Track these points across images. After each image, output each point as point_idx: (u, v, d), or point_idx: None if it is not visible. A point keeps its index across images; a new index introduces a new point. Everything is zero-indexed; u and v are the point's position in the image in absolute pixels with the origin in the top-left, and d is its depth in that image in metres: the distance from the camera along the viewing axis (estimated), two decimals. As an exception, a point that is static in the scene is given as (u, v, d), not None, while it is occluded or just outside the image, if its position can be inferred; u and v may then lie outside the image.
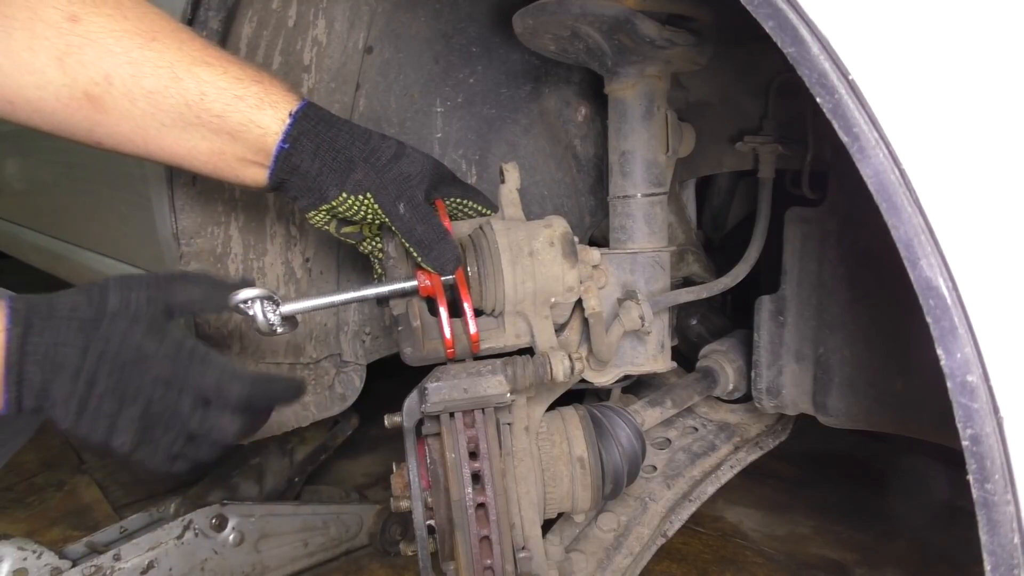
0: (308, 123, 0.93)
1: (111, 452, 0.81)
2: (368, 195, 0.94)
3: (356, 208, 0.96)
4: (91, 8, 0.85)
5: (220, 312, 0.92)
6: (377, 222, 0.99)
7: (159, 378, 0.80)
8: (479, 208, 1.07)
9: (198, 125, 0.90)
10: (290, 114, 0.92)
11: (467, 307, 0.96)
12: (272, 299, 0.91)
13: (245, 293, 0.90)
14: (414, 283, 0.96)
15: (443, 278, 0.97)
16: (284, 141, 0.92)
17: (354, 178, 0.94)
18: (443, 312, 0.94)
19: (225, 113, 0.89)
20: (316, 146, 0.93)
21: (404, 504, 0.99)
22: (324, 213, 0.99)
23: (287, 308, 0.92)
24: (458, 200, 1.06)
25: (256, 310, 0.90)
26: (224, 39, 1.08)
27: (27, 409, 0.77)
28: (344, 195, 0.94)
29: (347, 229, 1.05)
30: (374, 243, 1.09)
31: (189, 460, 0.86)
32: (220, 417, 0.84)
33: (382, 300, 1.01)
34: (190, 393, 0.82)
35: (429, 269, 0.96)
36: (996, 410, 0.59)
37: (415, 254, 0.96)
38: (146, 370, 0.79)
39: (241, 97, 0.90)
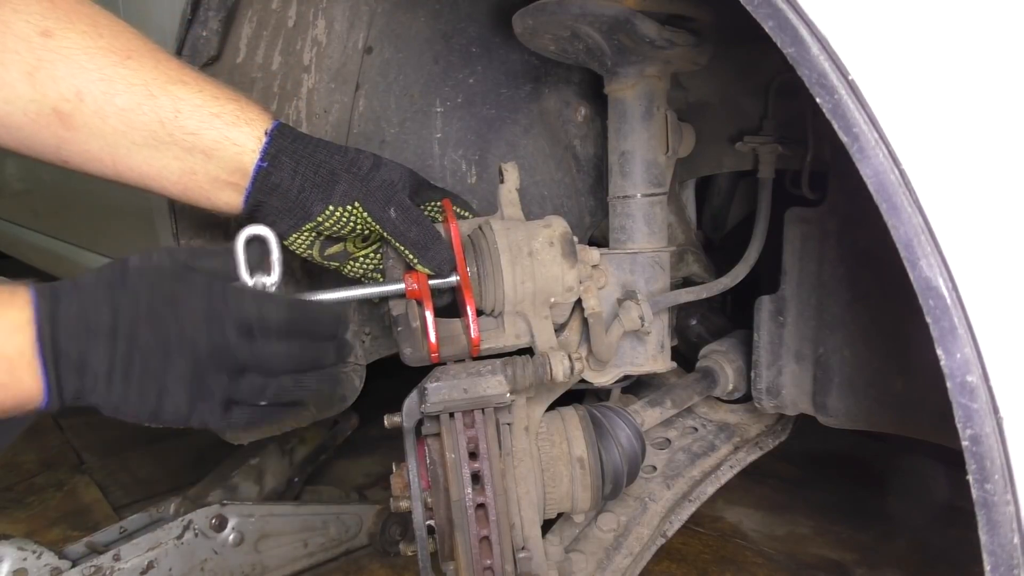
0: (284, 140, 0.91)
1: (167, 422, 0.76)
2: (356, 204, 0.93)
3: (345, 220, 0.94)
4: (65, 24, 0.83)
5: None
6: (365, 233, 0.98)
7: (197, 316, 0.75)
8: (458, 211, 1.07)
9: (170, 144, 0.88)
10: (266, 132, 0.90)
11: (470, 309, 0.96)
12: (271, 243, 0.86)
13: (252, 229, 0.84)
14: (401, 286, 0.95)
15: (440, 280, 0.97)
16: (262, 159, 0.90)
17: (339, 190, 0.92)
18: (429, 315, 0.93)
19: (200, 130, 0.88)
20: (295, 163, 0.91)
21: (404, 504, 0.99)
22: (307, 233, 0.97)
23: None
24: (437, 204, 1.06)
25: (256, 281, 0.84)
26: (224, 39, 1.08)
27: (69, 397, 0.73)
28: (331, 208, 0.93)
29: (332, 250, 1.02)
30: (360, 261, 1.06)
31: (248, 407, 0.79)
32: (268, 345, 0.78)
33: (381, 301, 1.00)
34: (232, 324, 0.76)
35: (426, 271, 0.96)
36: (996, 410, 0.59)
37: (411, 257, 0.95)
38: (183, 312, 0.74)
39: (217, 115, 0.88)
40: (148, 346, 0.73)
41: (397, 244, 0.95)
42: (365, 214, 0.94)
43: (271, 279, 0.84)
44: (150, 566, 1.44)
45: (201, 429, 0.81)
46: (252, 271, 0.83)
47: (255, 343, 0.77)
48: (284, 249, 0.89)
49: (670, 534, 1.34)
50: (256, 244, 0.85)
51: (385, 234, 0.95)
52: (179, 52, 1.06)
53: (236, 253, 0.83)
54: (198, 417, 0.77)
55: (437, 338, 0.93)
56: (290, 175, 0.91)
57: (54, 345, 0.71)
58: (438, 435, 0.97)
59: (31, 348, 0.70)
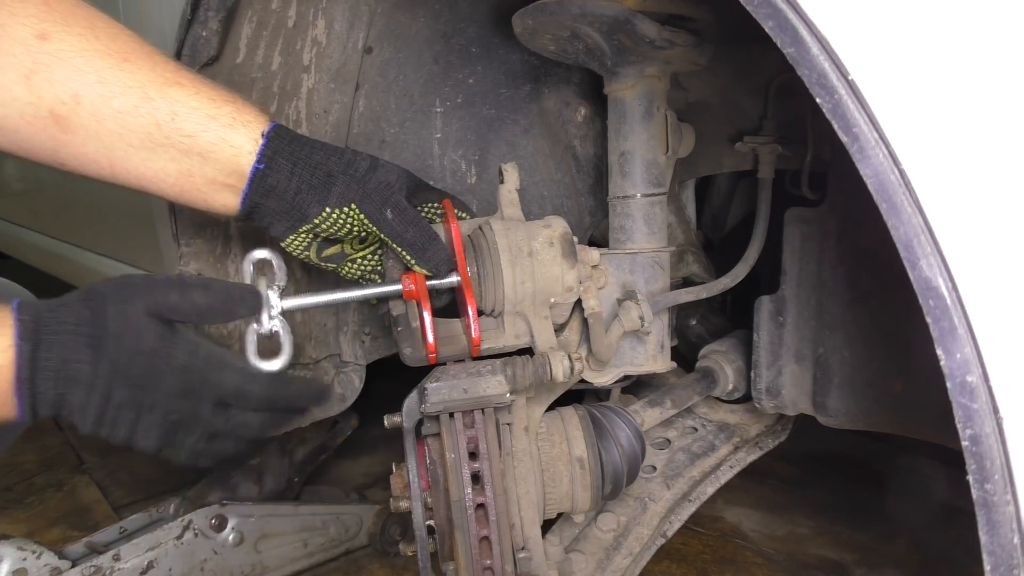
0: (281, 142, 0.91)
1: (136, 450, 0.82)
2: (353, 206, 0.93)
3: (342, 222, 0.94)
4: (62, 27, 0.83)
5: (225, 321, 0.91)
6: (362, 234, 0.98)
7: (175, 389, 0.80)
8: (456, 212, 1.07)
9: (167, 146, 0.88)
10: (262, 134, 0.90)
11: (471, 310, 0.96)
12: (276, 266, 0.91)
13: (259, 253, 0.90)
14: (399, 287, 0.95)
15: (439, 281, 0.97)
16: (259, 161, 0.90)
17: (336, 191, 0.92)
18: (426, 316, 0.93)
19: (196, 132, 0.88)
20: (292, 164, 0.91)
21: (404, 504, 0.99)
22: (305, 235, 0.97)
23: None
24: (435, 205, 1.06)
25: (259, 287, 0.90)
26: (224, 39, 1.08)
27: (44, 417, 0.78)
28: (328, 210, 0.93)
29: (329, 251, 1.02)
30: (358, 262, 1.07)
31: (216, 456, 0.86)
32: (242, 416, 0.85)
33: (380, 301, 1.00)
34: (208, 399, 0.82)
35: (424, 272, 0.96)
36: (996, 410, 0.59)
37: (408, 258, 0.95)
38: (160, 383, 0.79)
39: (214, 116, 0.88)
40: (123, 403, 0.79)
41: (394, 245, 0.95)
42: (362, 216, 0.94)
43: (279, 363, 0.89)
44: (150, 566, 1.43)
45: None
46: (261, 353, 0.89)
47: (230, 415, 0.84)
48: (286, 256, 0.93)
49: (670, 534, 1.35)
50: (265, 268, 0.91)
51: (382, 235, 0.95)
52: (179, 52, 1.06)
53: (243, 274, 0.90)
54: (166, 457, 0.84)
55: (435, 339, 0.93)
56: (287, 177, 0.91)
57: (32, 385, 0.75)
58: (438, 435, 0.97)
59: (10, 386, 0.74)
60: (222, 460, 0.87)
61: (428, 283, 0.96)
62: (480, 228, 1.02)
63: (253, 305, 0.89)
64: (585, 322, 1.12)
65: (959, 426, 0.60)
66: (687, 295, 1.30)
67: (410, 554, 1.01)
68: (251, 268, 0.91)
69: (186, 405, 0.81)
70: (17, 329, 0.74)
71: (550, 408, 1.09)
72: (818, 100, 0.64)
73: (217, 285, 0.88)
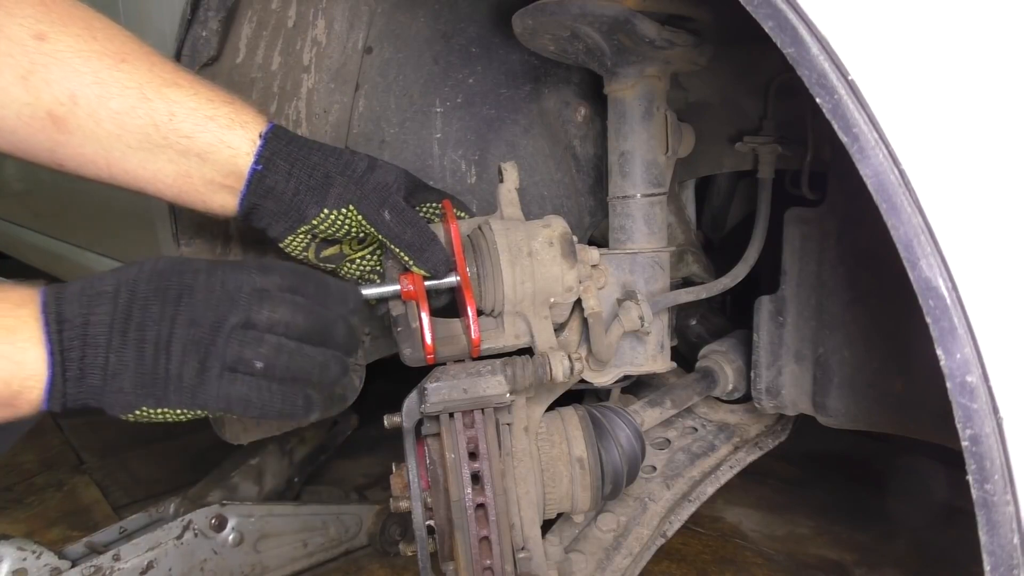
0: (279, 143, 0.91)
1: (167, 389, 0.74)
2: (351, 207, 0.93)
3: (340, 223, 0.94)
4: (59, 27, 0.83)
5: None
6: (360, 235, 0.98)
7: (206, 288, 0.74)
8: (455, 212, 1.07)
9: (165, 147, 0.88)
10: (260, 135, 0.90)
11: (471, 310, 0.96)
12: None
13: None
14: (397, 287, 0.95)
15: (437, 281, 0.97)
16: (257, 163, 0.90)
17: (334, 193, 0.92)
18: (424, 317, 0.93)
19: (194, 133, 0.87)
20: (290, 166, 0.91)
21: (403, 504, 0.99)
22: (303, 236, 0.97)
23: None
24: (433, 205, 1.05)
25: None
26: (224, 39, 1.08)
27: (72, 375, 0.71)
28: (326, 211, 0.93)
29: (328, 252, 1.02)
30: (357, 263, 1.06)
31: (249, 378, 0.75)
32: (274, 296, 0.76)
33: (379, 302, 1.00)
34: (244, 302, 0.74)
35: (422, 273, 0.96)
36: (996, 410, 0.59)
37: (406, 259, 0.95)
38: (189, 280, 0.74)
39: (212, 117, 0.88)
40: (148, 306, 0.73)
41: (392, 246, 0.95)
42: (360, 217, 0.93)
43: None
44: (150, 566, 1.44)
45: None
46: None
47: (261, 299, 0.75)
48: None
49: (670, 534, 1.34)
50: None
51: (380, 236, 0.95)
52: (179, 52, 1.06)
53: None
54: (198, 380, 0.74)
55: (433, 339, 0.93)
56: (285, 178, 0.91)
57: (58, 313, 0.71)
58: (438, 435, 0.97)
59: (35, 318, 0.71)
60: (255, 389, 0.75)
61: (427, 284, 0.96)
62: (480, 228, 1.02)
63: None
64: (585, 322, 1.12)
65: (959, 426, 0.60)
66: (687, 295, 1.30)
67: (410, 554, 1.01)
68: None
69: (221, 305, 0.73)
70: (42, 292, 0.73)
71: (550, 408, 1.09)
72: (818, 100, 0.64)
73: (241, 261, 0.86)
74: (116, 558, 1.41)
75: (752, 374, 1.40)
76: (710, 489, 1.43)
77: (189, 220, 1.19)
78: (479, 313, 1.02)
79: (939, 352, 0.60)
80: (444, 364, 0.97)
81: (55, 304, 0.72)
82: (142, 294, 0.74)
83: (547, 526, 1.16)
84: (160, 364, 0.73)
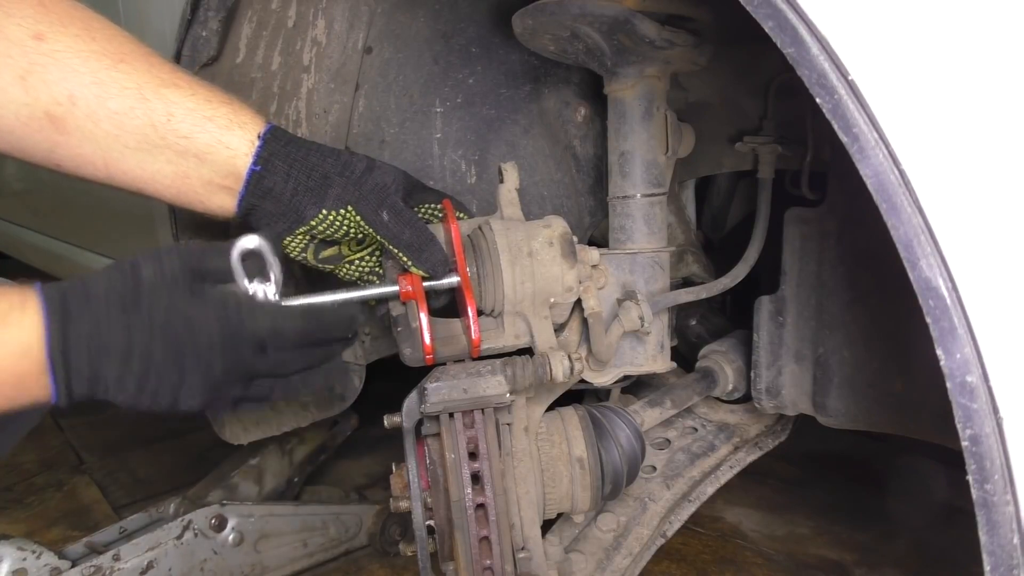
0: (277, 144, 0.91)
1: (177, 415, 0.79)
2: (349, 208, 0.93)
3: (338, 224, 0.94)
4: (58, 27, 0.83)
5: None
6: (359, 236, 0.98)
7: (214, 339, 0.76)
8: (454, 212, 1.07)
9: (163, 147, 0.88)
10: (259, 136, 0.90)
11: (471, 310, 0.96)
12: (270, 261, 0.85)
13: (244, 242, 0.83)
14: (395, 288, 0.95)
15: (436, 281, 0.97)
16: (255, 163, 0.90)
17: (332, 193, 0.92)
18: (423, 317, 0.93)
19: (193, 134, 0.87)
20: (289, 166, 0.91)
21: (403, 504, 0.99)
22: (302, 237, 0.97)
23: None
24: (432, 205, 1.05)
25: (255, 289, 0.84)
26: (224, 39, 1.08)
27: (79, 398, 0.73)
28: (324, 212, 0.93)
29: (326, 253, 1.02)
30: (356, 263, 1.06)
31: (257, 400, 0.84)
32: (281, 355, 0.81)
33: (378, 302, 1.00)
34: (247, 344, 0.78)
35: (421, 273, 0.96)
36: (996, 410, 0.59)
37: (405, 259, 0.95)
38: (199, 335, 0.75)
39: (210, 118, 0.88)
40: (164, 364, 0.74)
41: (390, 247, 0.95)
42: (358, 218, 0.93)
43: (271, 288, 0.84)
44: (150, 566, 1.44)
45: (201, 428, 0.83)
46: (251, 278, 0.83)
47: (268, 356, 0.80)
48: (282, 254, 0.91)
49: (670, 534, 1.34)
50: (253, 254, 0.84)
51: (379, 237, 0.95)
52: (179, 52, 1.06)
53: (233, 267, 0.83)
54: (210, 412, 0.83)
55: (432, 340, 0.93)
56: (283, 179, 0.91)
57: (65, 360, 0.71)
58: (438, 435, 0.97)
59: (41, 366, 0.71)
60: (264, 407, 0.85)
61: (427, 284, 0.96)
62: (480, 228, 1.02)
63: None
64: (585, 322, 1.12)
65: (959, 426, 0.60)
66: (687, 295, 1.29)
67: (410, 554, 1.01)
68: (238, 263, 0.83)
69: (227, 355, 0.77)
70: (44, 305, 0.71)
71: (550, 408, 1.09)
72: (818, 100, 0.64)
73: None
74: (116, 558, 1.41)
75: (752, 374, 1.40)
76: (710, 489, 1.43)
77: (189, 220, 1.19)
78: (479, 313, 1.02)
79: (939, 352, 0.60)
80: (444, 364, 0.97)
81: (61, 350, 0.72)
82: (157, 354, 0.75)
83: (547, 526, 1.16)
84: (178, 407, 0.77)
